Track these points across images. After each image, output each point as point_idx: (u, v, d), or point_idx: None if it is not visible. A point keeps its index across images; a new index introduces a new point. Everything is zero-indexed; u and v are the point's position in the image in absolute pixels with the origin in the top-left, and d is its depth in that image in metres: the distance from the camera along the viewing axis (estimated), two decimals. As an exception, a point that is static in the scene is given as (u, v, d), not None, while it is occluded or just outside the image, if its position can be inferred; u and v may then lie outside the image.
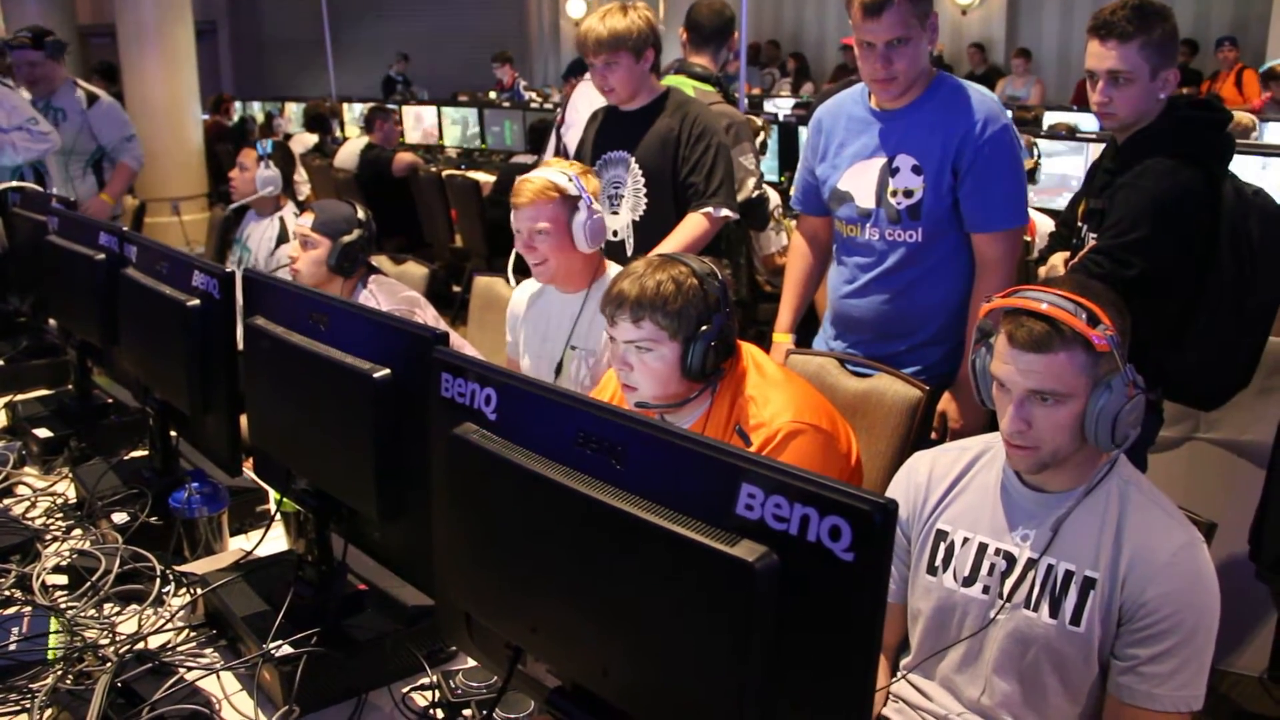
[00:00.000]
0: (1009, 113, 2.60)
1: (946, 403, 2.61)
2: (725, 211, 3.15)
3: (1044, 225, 4.39)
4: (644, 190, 3.24)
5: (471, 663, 1.64)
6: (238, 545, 2.11)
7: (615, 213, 3.31)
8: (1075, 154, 5.03)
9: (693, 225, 3.16)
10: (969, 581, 1.77)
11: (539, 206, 2.63)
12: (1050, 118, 7.07)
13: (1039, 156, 4.79)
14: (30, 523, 2.20)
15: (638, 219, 3.27)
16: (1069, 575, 1.68)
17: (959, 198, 2.53)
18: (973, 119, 2.49)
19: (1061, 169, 4.99)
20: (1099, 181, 2.62)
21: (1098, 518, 1.69)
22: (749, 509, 0.99)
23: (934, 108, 2.54)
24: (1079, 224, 2.68)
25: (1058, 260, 2.73)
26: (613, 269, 2.77)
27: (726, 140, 3.28)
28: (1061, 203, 4.64)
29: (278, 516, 2.11)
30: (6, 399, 2.89)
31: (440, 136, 8.93)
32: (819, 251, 2.90)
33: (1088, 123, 6.44)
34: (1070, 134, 5.63)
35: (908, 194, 2.55)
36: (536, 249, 2.66)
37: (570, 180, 2.65)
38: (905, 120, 2.57)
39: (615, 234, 3.30)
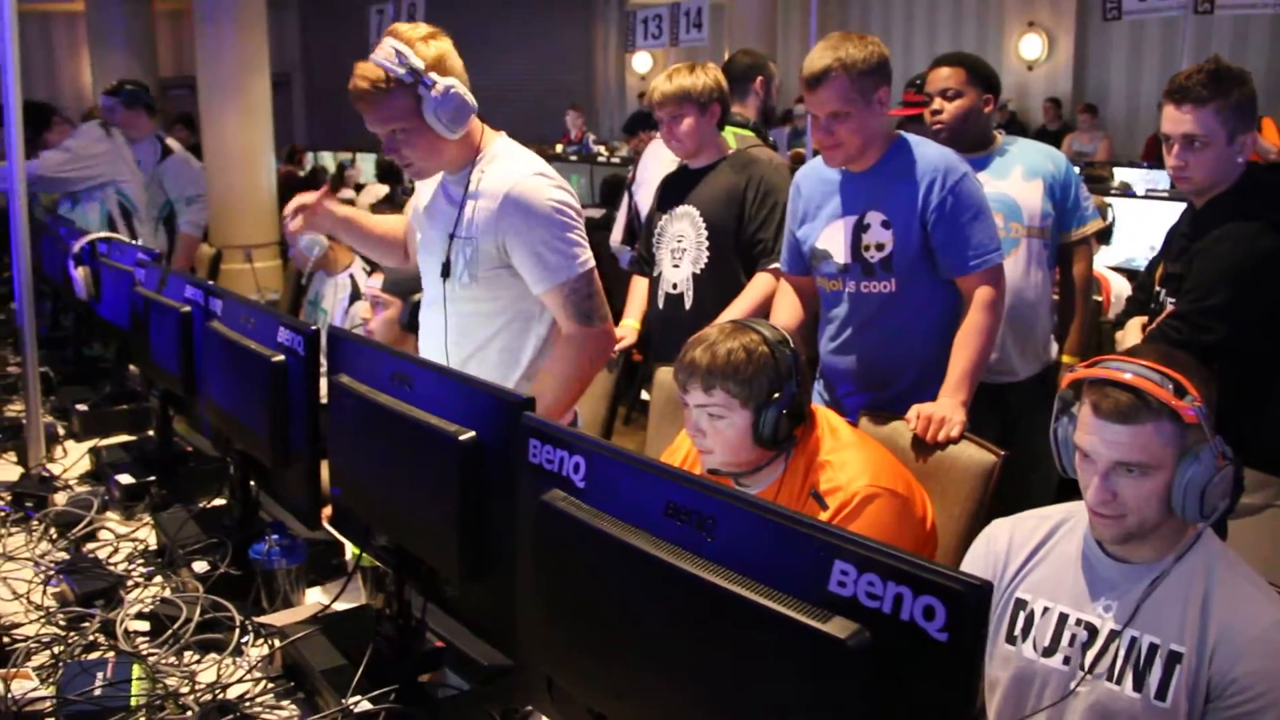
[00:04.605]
0: (968, 167, 2.69)
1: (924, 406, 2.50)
2: None
3: (1119, 287, 4.34)
4: (707, 243, 3.30)
5: (548, 724, 1.65)
6: (315, 598, 2.14)
7: (677, 266, 3.37)
8: (1154, 214, 4.94)
9: (763, 284, 3.22)
10: (1049, 652, 1.74)
11: (378, 104, 2.27)
12: (1120, 174, 7.02)
13: (1113, 218, 4.75)
14: (113, 568, 2.25)
15: (698, 272, 3.33)
16: (1153, 648, 1.65)
17: (933, 248, 2.63)
18: (933, 174, 2.61)
19: (1139, 229, 4.92)
20: (1176, 246, 2.60)
21: (1183, 591, 1.66)
22: (841, 585, 0.99)
23: (896, 166, 2.66)
24: (1156, 288, 2.66)
25: (1134, 325, 2.70)
26: (499, 144, 2.46)
27: None
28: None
29: (355, 570, 2.13)
30: (90, 444, 2.97)
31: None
32: (804, 300, 2.95)
33: (1160, 180, 6.37)
34: (1125, 192, 5.59)
35: (879, 248, 2.66)
36: (400, 151, 2.35)
37: (397, 59, 2.23)
38: (871, 180, 2.69)
39: (675, 286, 3.38)
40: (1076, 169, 7.38)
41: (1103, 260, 4.77)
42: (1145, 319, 2.68)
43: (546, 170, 2.37)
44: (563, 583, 1.29)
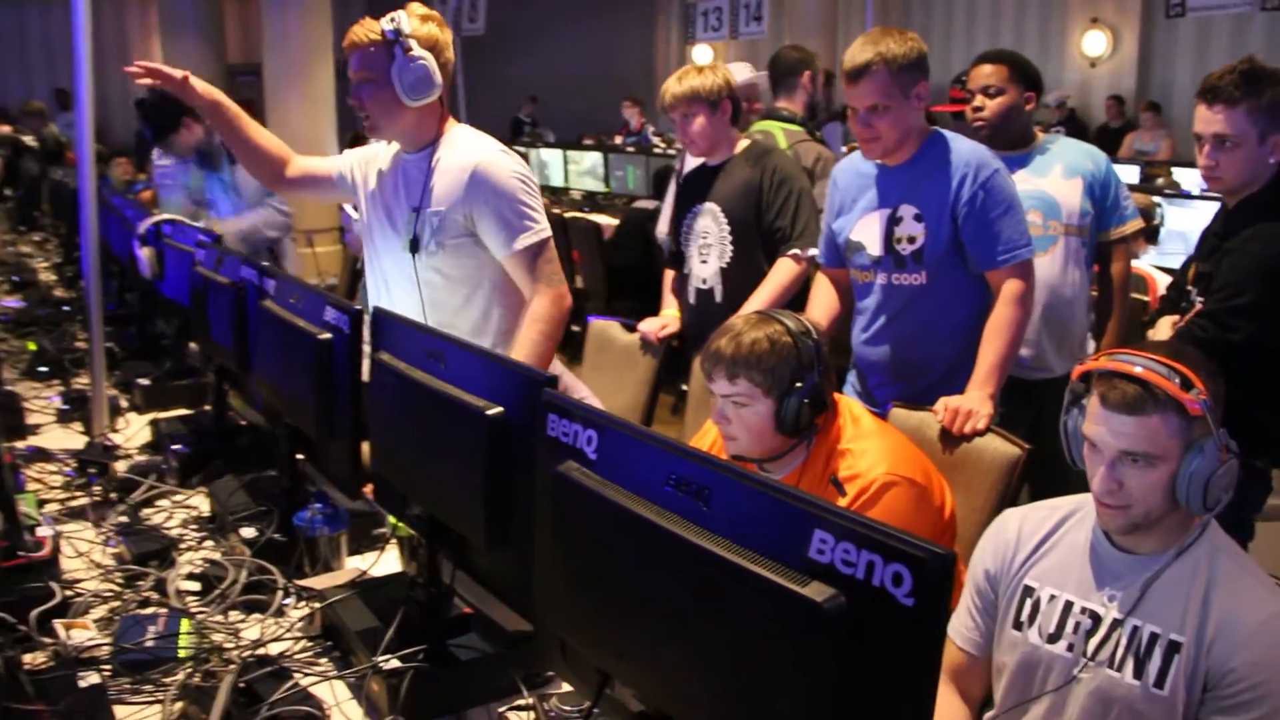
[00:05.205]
0: (1000, 163, 2.74)
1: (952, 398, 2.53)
2: (812, 251, 3.26)
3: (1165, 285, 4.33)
4: (730, 237, 3.39)
5: (567, 687, 1.73)
6: (354, 564, 2.24)
7: (704, 262, 3.47)
8: (1198, 214, 4.93)
9: (783, 271, 3.31)
10: (1054, 638, 1.79)
11: (360, 52, 2.53)
12: (1179, 174, 6.94)
13: (1161, 218, 4.72)
14: (168, 532, 2.38)
15: (725, 266, 3.42)
16: (1154, 637, 1.69)
17: (963, 242, 2.69)
18: (965, 169, 2.66)
19: (1195, 230, 4.89)
20: (1208, 245, 2.62)
21: (1186, 582, 1.70)
22: (820, 553, 1.06)
23: (930, 161, 2.72)
24: (1188, 287, 2.68)
25: (1165, 323, 2.72)
26: (459, 129, 2.69)
27: (808, 185, 3.44)
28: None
29: (393, 539, 2.24)
30: (150, 416, 3.11)
31: (565, 179, 9.17)
32: (840, 292, 3.01)
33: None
34: (1176, 190, 5.54)
35: (911, 240, 2.73)
36: (361, 100, 2.56)
37: (391, 20, 2.48)
38: (906, 174, 2.75)
39: (704, 281, 3.47)
40: (1136, 168, 7.26)
41: (1154, 260, 4.75)
42: (1176, 318, 2.70)
43: (506, 149, 2.62)
44: (574, 549, 1.38)
